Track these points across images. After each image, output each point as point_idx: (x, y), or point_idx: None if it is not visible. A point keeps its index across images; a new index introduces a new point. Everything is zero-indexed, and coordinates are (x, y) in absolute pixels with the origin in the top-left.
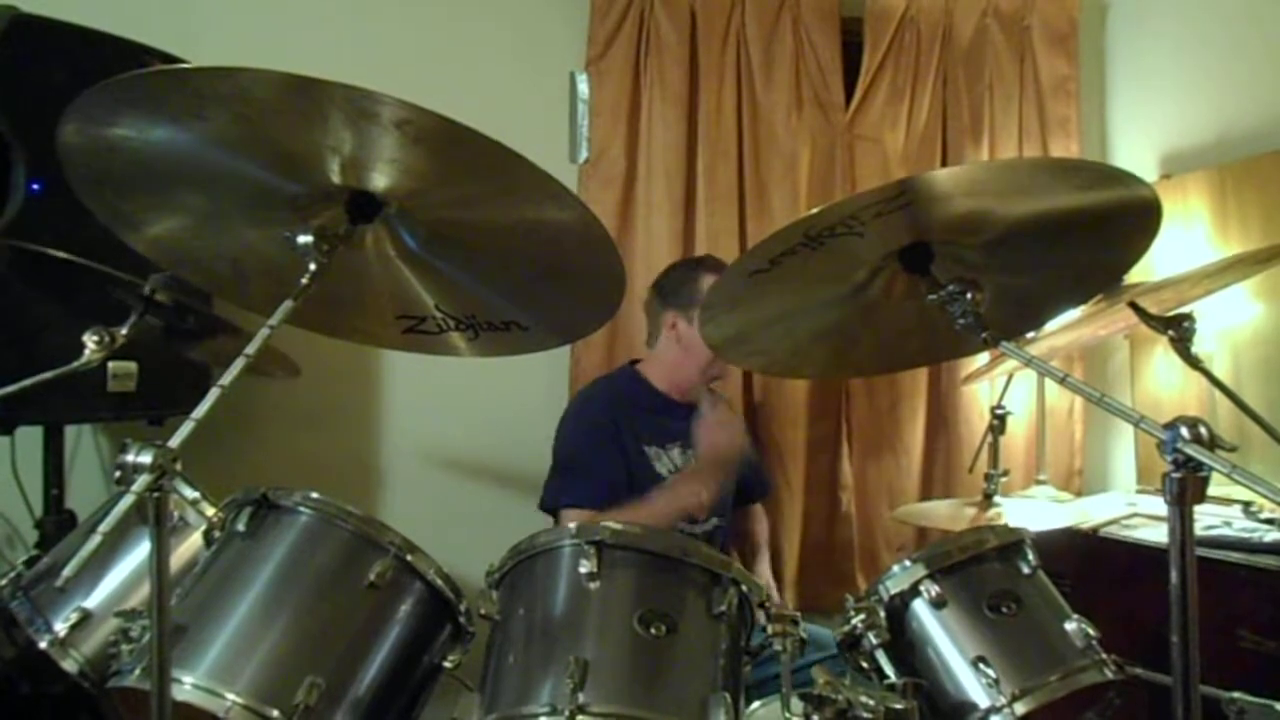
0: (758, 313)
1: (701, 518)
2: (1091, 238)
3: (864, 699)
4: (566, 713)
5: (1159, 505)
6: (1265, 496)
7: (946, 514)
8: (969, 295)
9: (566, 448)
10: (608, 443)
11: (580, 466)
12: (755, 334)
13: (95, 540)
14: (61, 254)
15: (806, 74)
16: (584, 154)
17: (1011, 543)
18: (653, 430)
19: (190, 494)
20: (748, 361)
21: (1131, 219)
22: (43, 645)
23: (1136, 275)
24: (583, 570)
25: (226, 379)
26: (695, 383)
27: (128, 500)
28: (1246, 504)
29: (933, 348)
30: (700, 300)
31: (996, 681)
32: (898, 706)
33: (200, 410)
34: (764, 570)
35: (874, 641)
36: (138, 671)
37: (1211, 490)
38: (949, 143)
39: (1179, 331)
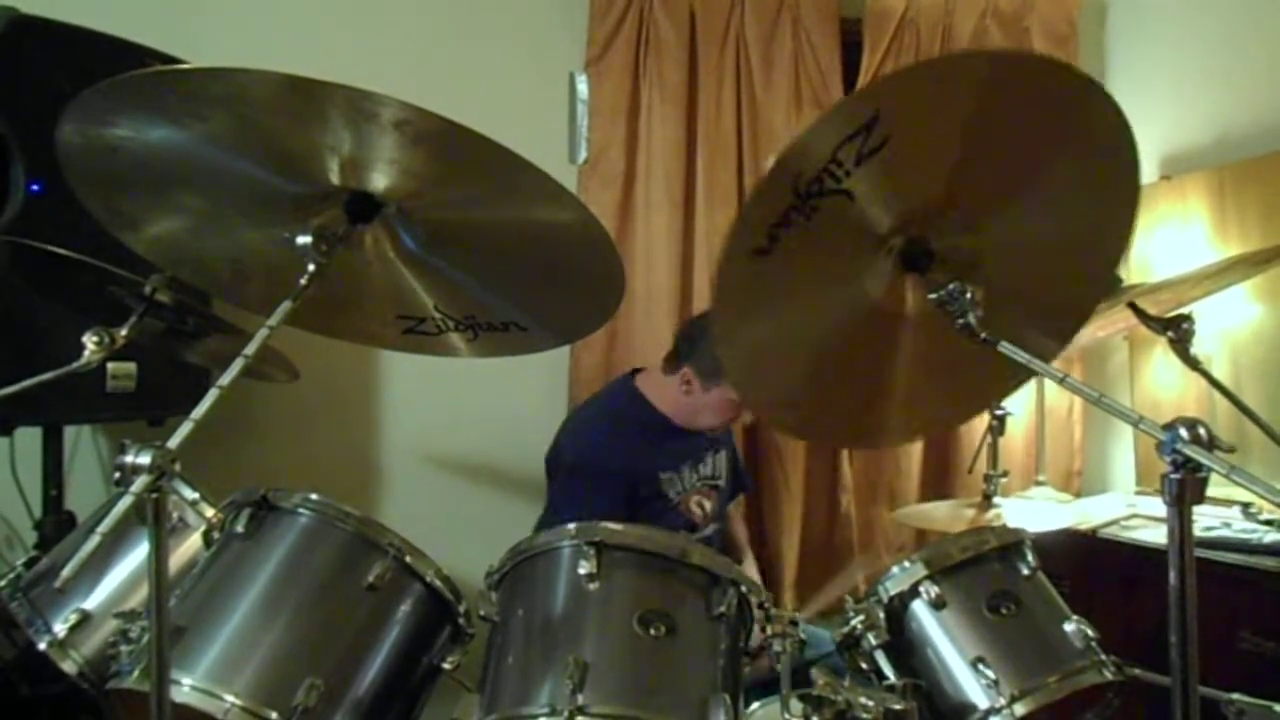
0: (769, 323)
1: (702, 525)
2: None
3: (863, 700)
4: (566, 713)
5: (1158, 506)
6: (1264, 497)
7: (946, 515)
8: (968, 295)
9: (570, 464)
10: (609, 470)
11: (585, 484)
12: (771, 358)
13: (94, 541)
14: (63, 250)
15: (806, 74)
16: (583, 154)
17: (1011, 543)
18: (662, 455)
19: (189, 495)
20: (776, 414)
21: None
22: (42, 646)
23: (1136, 276)
24: (582, 571)
25: (225, 379)
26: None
27: (126, 501)
28: (1245, 505)
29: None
30: (720, 373)
31: (996, 682)
32: (897, 707)
33: (199, 411)
34: (751, 574)
35: (873, 642)
36: (137, 673)
37: (1210, 491)
38: None
39: (1178, 332)
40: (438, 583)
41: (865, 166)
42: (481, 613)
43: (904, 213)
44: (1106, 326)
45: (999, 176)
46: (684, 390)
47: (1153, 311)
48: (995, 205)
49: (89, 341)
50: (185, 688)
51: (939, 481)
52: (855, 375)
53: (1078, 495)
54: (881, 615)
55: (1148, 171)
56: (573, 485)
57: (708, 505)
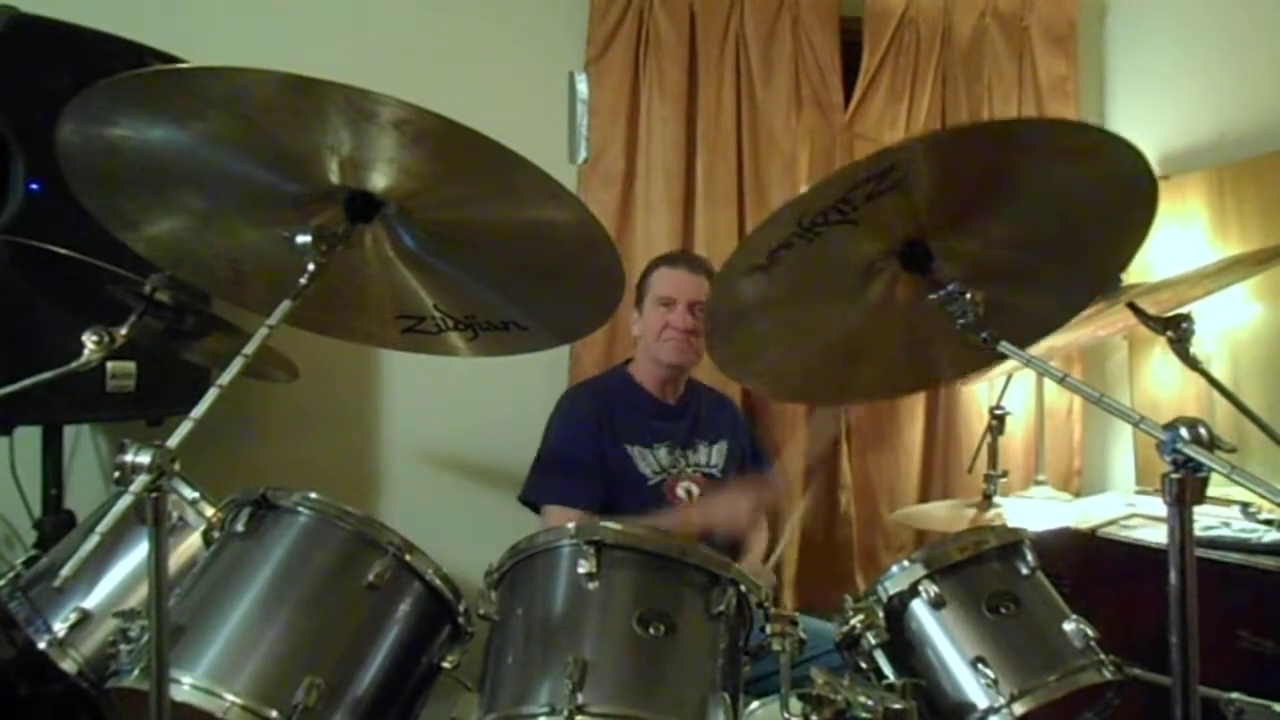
0: (760, 324)
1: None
2: (1090, 222)
3: (863, 699)
4: (565, 713)
5: (1158, 506)
6: (1264, 497)
7: (946, 515)
8: (968, 295)
9: (551, 443)
10: (589, 440)
11: (564, 463)
12: (761, 350)
13: (93, 540)
14: (63, 250)
15: (805, 74)
16: (583, 154)
17: (1010, 543)
18: (638, 429)
19: (189, 494)
20: (756, 381)
21: (1128, 199)
22: (41, 645)
23: (1135, 276)
24: (581, 570)
25: (225, 379)
26: (666, 376)
27: (126, 500)
28: (1245, 505)
29: (940, 364)
30: (649, 294)
31: (995, 682)
32: (896, 707)
33: (199, 410)
34: (757, 545)
35: (873, 641)
36: (136, 672)
37: (1210, 491)
38: None
39: (1178, 332)
40: (437, 582)
41: (876, 203)
42: (481, 612)
43: (906, 233)
44: (1106, 326)
45: (1009, 213)
46: (638, 335)
47: (1152, 311)
48: (1000, 224)
49: (89, 341)
50: (185, 686)
51: (939, 481)
52: (834, 346)
53: (1077, 495)
54: (881, 614)
55: None
56: (545, 470)
57: (696, 493)
